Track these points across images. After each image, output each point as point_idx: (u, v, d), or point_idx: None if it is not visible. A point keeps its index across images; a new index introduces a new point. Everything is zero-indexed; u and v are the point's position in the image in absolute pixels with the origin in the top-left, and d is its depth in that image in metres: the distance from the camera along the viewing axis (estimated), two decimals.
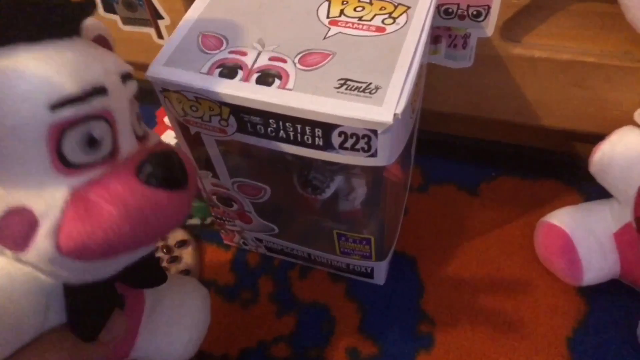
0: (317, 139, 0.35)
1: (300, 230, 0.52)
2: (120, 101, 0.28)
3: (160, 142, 0.32)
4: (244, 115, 0.35)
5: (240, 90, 0.34)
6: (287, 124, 0.34)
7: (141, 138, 0.30)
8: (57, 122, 0.25)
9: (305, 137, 0.35)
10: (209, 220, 0.58)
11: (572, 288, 0.49)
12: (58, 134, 0.25)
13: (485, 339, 0.48)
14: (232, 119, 0.36)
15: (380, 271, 0.50)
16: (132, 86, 0.30)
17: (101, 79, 0.26)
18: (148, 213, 0.26)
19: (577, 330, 0.47)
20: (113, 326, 0.31)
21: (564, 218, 0.47)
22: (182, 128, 0.40)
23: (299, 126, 0.34)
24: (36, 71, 0.24)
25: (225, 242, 0.57)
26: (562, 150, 0.57)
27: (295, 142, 0.36)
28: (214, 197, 0.48)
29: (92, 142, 0.26)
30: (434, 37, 0.48)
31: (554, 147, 0.57)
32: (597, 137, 0.45)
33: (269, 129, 0.36)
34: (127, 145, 0.28)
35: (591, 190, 0.54)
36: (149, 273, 0.32)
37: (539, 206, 0.55)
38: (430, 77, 0.49)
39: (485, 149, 0.60)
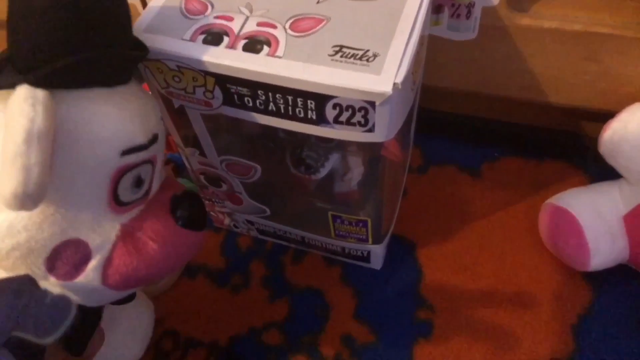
0: (309, 112, 0.32)
1: (293, 212, 0.50)
2: (163, 146, 0.31)
3: (173, 180, 0.35)
4: (231, 86, 0.32)
5: (225, 58, 0.31)
6: (277, 96, 0.32)
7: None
8: (122, 166, 0.27)
9: (297, 110, 0.32)
10: None
11: (578, 273, 0.47)
12: (119, 176, 0.28)
13: (487, 327, 0.45)
14: (217, 91, 0.33)
15: (377, 255, 0.48)
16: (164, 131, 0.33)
17: (156, 127, 0.30)
18: (180, 249, 0.30)
19: (582, 317, 0.45)
20: (94, 341, 0.33)
21: (571, 200, 0.45)
22: (165, 102, 0.37)
23: (289, 98, 0.32)
24: (114, 119, 0.27)
25: (215, 224, 0.54)
26: (569, 129, 0.54)
27: (286, 116, 0.33)
28: (202, 177, 0.45)
29: (139, 183, 0.29)
30: (436, 7, 0.45)
31: (560, 126, 0.54)
32: (608, 115, 0.43)
33: (258, 102, 0.33)
34: (157, 183, 0.32)
35: (599, 171, 0.51)
36: None
37: (544, 188, 0.52)
38: (430, 50, 0.46)
39: (487, 128, 0.57)
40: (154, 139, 0.30)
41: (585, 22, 0.42)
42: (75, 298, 0.29)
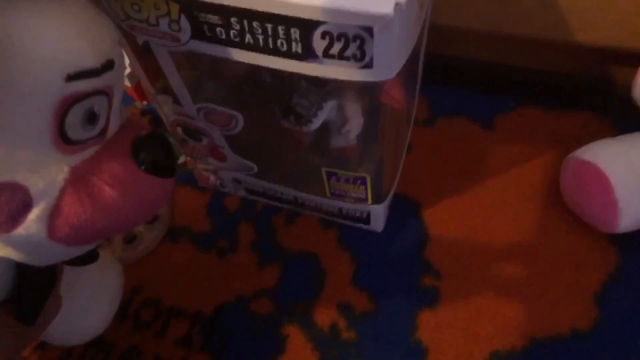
0: (294, 43, 0.27)
1: (284, 169, 0.45)
2: (120, 75, 0.27)
3: (136, 121, 0.30)
4: (199, 14, 0.27)
5: None
6: (254, 24, 0.26)
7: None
8: (68, 95, 0.23)
9: (279, 41, 0.27)
10: (181, 159, 0.51)
11: (604, 235, 0.42)
12: (65, 108, 0.23)
13: (500, 295, 0.41)
14: (184, 20, 0.28)
15: (378, 216, 0.43)
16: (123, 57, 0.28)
17: (112, 51, 0.25)
18: (143, 198, 0.26)
19: (606, 283, 0.41)
20: (49, 307, 0.30)
21: (599, 153, 0.40)
22: (128, 38, 0.32)
23: (269, 26, 0.26)
24: (55, 34, 0.22)
25: (200, 184, 0.49)
26: (595, 75, 0.48)
27: (265, 50, 0.28)
28: (179, 130, 0.40)
29: (91, 118, 0.25)
30: None
31: (585, 71, 0.49)
32: None
33: (232, 33, 0.27)
34: (115, 122, 0.27)
35: (628, 122, 0.46)
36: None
37: (565, 142, 0.47)
38: None
39: (502, 75, 0.51)
40: (108, 65, 0.25)
41: None
42: (17, 256, 0.25)
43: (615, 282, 0.41)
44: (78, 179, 0.24)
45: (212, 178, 0.47)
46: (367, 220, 0.44)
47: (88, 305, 0.37)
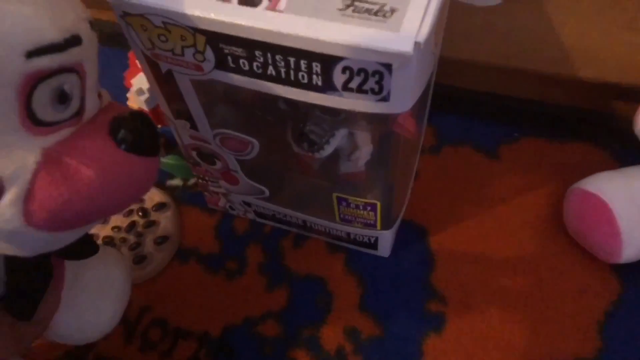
0: (314, 76, 0.28)
1: (294, 193, 0.46)
2: (91, 52, 0.25)
3: (118, 104, 0.29)
4: (224, 46, 0.28)
5: (218, 12, 0.27)
6: (277, 57, 0.27)
7: (98, 96, 0.27)
8: (31, 72, 0.22)
9: (300, 74, 0.28)
10: (192, 181, 0.52)
11: (606, 265, 0.43)
12: (30, 87, 0.22)
13: (504, 321, 0.42)
14: (209, 51, 0.29)
15: (386, 241, 0.44)
16: (96, 36, 0.27)
17: (76, 27, 0.24)
18: (124, 179, 0.25)
19: (609, 313, 0.42)
20: (47, 303, 0.29)
21: (602, 184, 0.41)
22: (151, 65, 0.33)
23: (291, 59, 0.27)
24: (13, 9, 0.21)
25: (210, 205, 0.50)
26: (596, 108, 0.50)
27: (287, 82, 0.29)
28: (194, 153, 0.41)
29: (62, 98, 0.23)
30: None
31: (587, 104, 0.50)
32: None
33: (255, 64, 0.29)
34: (92, 103, 0.26)
35: (629, 155, 0.47)
36: (79, 243, 0.28)
37: (567, 172, 0.48)
38: (448, 17, 0.42)
39: (506, 105, 0.53)
40: (72, 40, 0.23)
41: None
42: (11, 247, 0.24)
43: (617, 311, 0.41)
44: (52, 161, 0.23)
45: (221, 200, 0.48)
46: (374, 245, 0.45)
47: (94, 301, 0.36)
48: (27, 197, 0.22)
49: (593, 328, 0.41)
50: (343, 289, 0.45)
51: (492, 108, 0.53)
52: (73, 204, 0.23)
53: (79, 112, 0.25)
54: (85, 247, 0.31)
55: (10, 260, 0.26)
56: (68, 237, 0.26)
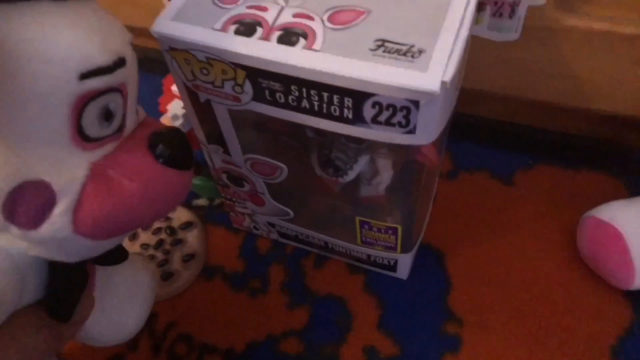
0: (346, 110, 0.30)
1: (317, 215, 0.48)
2: (133, 73, 0.27)
3: (153, 120, 0.31)
4: (262, 81, 0.30)
5: (258, 50, 0.29)
6: (312, 92, 0.30)
7: (136, 112, 0.29)
8: (83, 93, 0.23)
9: (332, 107, 0.30)
10: (217, 201, 0.54)
11: (619, 291, 0.44)
12: (81, 106, 0.24)
13: (519, 344, 0.43)
14: (247, 85, 0.31)
15: (405, 264, 0.46)
16: (136, 58, 0.28)
17: (122, 49, 0.26)
18: (162, 190, 0.27)
19: (622, 338, 0.43)
20: (83, 306, 0.30)
21: (615, 213, 0.42)
22: (190, 95, 0.35)
23: (325, 95, 0.29)
24: (68, 36, 0.23)
25: (235, 225, 0.52)
26: (610, 138, 0.51)
27: (319, 114, 0.31)
28: (224, 176, 0.43)
29: (107, 115, 0.25)
30: (477, 4, 0.42)
31: (601, 135, 0.52)
32: None
33: (290, 98, 0.31)
34: (131, 120, 0.28)
35: None
36: (112, 251, 0.30)
37: (581, 200, 0.50)
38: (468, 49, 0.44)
39: (522, 134, 0.55)
40: (119, 62, 0.25)
41: (637, 25, 0.39)
42: (47, 253, 0.26)
43: (630, 337, 0.42)
44: (98, 174, 0.25)
45: (246, 220, 0.50)
46: (393, 267, 0.46)
47: (122, 304, 0.38)
48: (76, 207, 0.24)
49: (606, 352, 0.42)
50: (362, 309, 0.46)
51: (508, 136, 0.55)
52: (117, 214, 0.25)
53: (121, 128, 0.27)
54: (117, 254, 0.33)
55: (52, 265, 0.27)
56: (107, 245, 0.28)
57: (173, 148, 0.27)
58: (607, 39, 0.40)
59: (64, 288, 0.29)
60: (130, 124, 0.28)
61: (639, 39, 0.39)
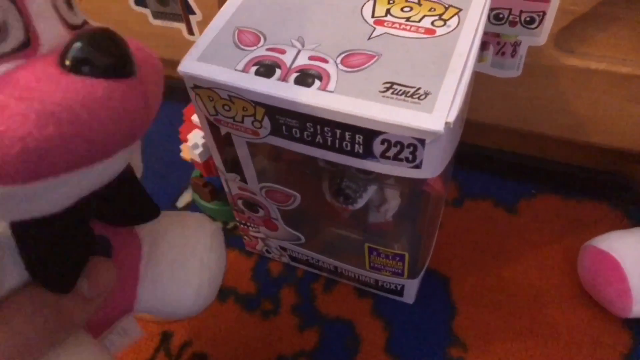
0: (357, 145, 0.32)
1: (327, 241, 0.50)
2: None
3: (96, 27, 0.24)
4: (280, 117, 0.33)
5: (277, 90, 0.31)
6: (326, 129, 0.32)
7: (76, 27, 0.23)
8: None
9: (344, 143, 0.32)
10: (231, 224, 0.56)
11: (618, 319, 0.46)
12: None
13: None
14: (266, 121, 0.34)
15: (411, 289, 0.47)
16: None
17: None
18: (79, 110, 0.19)
19: None
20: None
21: (614, 243, 0.44)
22: (212, 128, 0.38)
23: (338, 131, 0.32)
24: None
25: (247, 248, 0.54)
26: (611, 170, 0.53)
27: (332, 149, 0.33)
28: (240, 202, 0.46)
29: None
30: (481, 44, 0.45)
31: (602, 166, 0.54)
32: None
33: (305, 133, 0.33)
34: (51, 34, 0.21)
35: None
36: (135, 206, 0.26)
37: (582, 229, 0.51)
38: (473, 85, 0.46)
39: (526, 164, 0.57)
40: None
41: (633, 65, 0.42)
42: None
43: None
44: None
45: (259, 244, 0.52)
46: (400, 292, 0.48)
47: (175, 272, 0.33)
48: None
49: None
50: (370, 332, 0.48)
51: (512, 166, 0.57)
52: (10, 145, 0.18)
53: (27, 44, 0.21)
54: (140, 210, 0.28)
55: (20, 228, 0.23)
56: (52, 192, 0.21)
57: (93, 51, 0.20)
58: (604, 78, 0.43)
59: (46, 251, 0.24)
60: (51, 40, 0.22)
61: (634, 78, 0.42)
